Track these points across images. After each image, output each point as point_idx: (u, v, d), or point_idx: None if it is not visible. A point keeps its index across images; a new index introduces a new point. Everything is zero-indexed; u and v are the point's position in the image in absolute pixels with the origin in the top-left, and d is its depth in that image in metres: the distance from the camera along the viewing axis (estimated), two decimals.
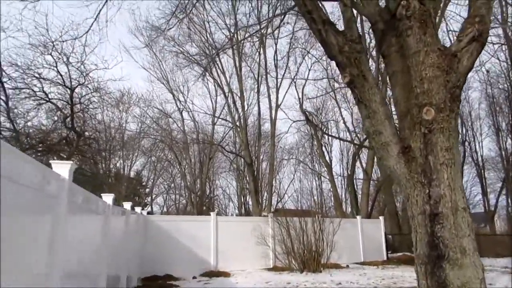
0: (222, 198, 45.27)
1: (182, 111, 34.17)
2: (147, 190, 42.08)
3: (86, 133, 19.05)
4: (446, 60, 4.57)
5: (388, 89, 19.93)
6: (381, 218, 19.06)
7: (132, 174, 36.03)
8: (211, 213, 14.13)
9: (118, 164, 33.84)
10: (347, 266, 15.14)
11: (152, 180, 39.68)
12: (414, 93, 4.77)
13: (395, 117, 5.55)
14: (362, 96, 4.84)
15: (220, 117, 33.93)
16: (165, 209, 41.79)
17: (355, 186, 31.92)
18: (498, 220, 35.17)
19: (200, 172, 36.30)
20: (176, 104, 33.55)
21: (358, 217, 18.09)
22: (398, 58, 5.00)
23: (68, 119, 15.47)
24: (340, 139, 31.43)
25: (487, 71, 25.08)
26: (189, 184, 36.29)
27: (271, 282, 11.16)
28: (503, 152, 29.48)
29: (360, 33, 7.11)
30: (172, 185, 41.95)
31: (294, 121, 31.14)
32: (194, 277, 12.07)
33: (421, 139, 4.67)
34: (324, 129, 31.13)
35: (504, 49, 22.36)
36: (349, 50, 4.82)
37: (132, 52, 43.96)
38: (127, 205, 11.56)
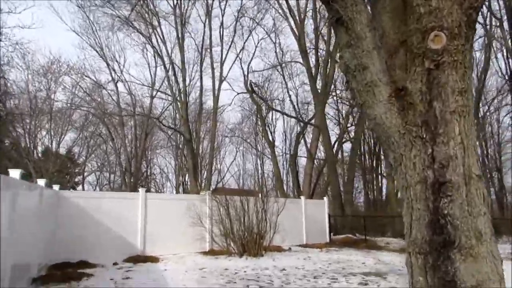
0: (160, 177, 43.05)
1: (117, 82, 31.36)
2: (79, 168, 38.88)
3: None
4: None
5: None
6: (325, 199, 18.24)
7: (62, 150, 32.74)
8: (140, 189, 12.31)
9: (46, 140, 30.46)
10: (290, 248, 14.09)
11: (84, 157, 36.54)
12: (416, 15, 3.37)
13: None
14: (344, 12, 3.39)
15: (160, 90, 31.62)
16: (97, 189, 38.77)
17: (297, 167, 31.30)
18: None
19: (135, 149, 33.89)
20: (111, 74, 30.77)
21: (302, 197, 17.09)
22: None
23: None
24: (286, 114, 30.42)
25: None
26: (123, 162, 33.77)
27: (205, 268, 9.70)
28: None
29: None
30: (106, 163, 39.08)
31: (238, 93, 29.77)
32: (115, 264, 10.28)
33: (424, 78, 3.32)
34: (270, 105, 29.92)
35: None
36: None
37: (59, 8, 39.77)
38: (41, 181, 9.59)
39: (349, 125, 31.76)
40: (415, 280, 3.14)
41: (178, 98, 26.72)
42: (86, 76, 30.19)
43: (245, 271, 9.25)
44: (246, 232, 11.68)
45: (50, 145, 30.63)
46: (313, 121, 26.21)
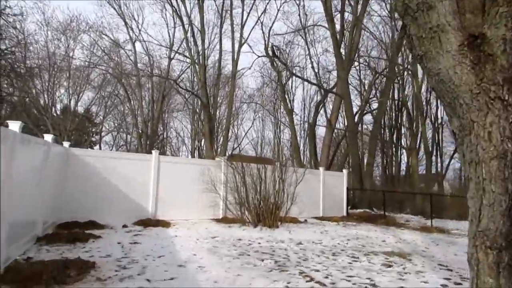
0: (176, 141, 42.77)
1: (135, 41, 30.58)
2: (96, 128, 38.83)
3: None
4: None
5: None
6: (344, 171, 17.54)
7: (80, 109, 32.56)
8: (153, 151, 11.80)
9: (64, 99, 30.29)
10: (306, 221, 13.58)
11: (101, 117, 36.38)
12: None
13: None
14: None
15: (178, 51, 30.71)
16: (114, 149, 38.78)
17: (315, 137, 30.50)
18: (446, 183, 35.35)
19: (152, 111, 33.44)
20: (129, 33, 29.99)
21: (321, 168, 16.43)
22: None
23: None
24: (307, 81, 29.28)
25: None
26: (140, 124, 33.42)
27: (217, 237, 9.23)
28: None
29: None
30: (123, 123, 38.87)
31: (259, 56, 28.77)
32: (124, 226, 9.90)
33: (509, 22, 2.55)
34: (291, 70, 28.85)
35: None
36: None
37: None
38: (48, 136, 9.12)
39: (371, 96, 30.61)
40: (482, 280, 2.45)
41: (197, 61, 25.85)
42: (104, 35, 29.48)
43: (259, 243, 8.74)
44: (262, 202, 11.13)
45: (68, 103, 30.44)
46: (334, 89, 25.16)
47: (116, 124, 39.16)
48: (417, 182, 24.33)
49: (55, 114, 29.33)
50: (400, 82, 30.13)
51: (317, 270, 6.30)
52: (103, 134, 40.27)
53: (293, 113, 29.04)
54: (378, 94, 30.05)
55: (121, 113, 37.33)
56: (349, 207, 17.58)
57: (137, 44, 30.53)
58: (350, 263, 7.08)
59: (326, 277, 5.86)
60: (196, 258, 6.77)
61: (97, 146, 38.35)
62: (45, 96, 28.13)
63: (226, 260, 6.73)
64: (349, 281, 5.74)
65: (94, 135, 39.75)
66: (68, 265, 5.52)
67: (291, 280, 5.57)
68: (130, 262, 6.21)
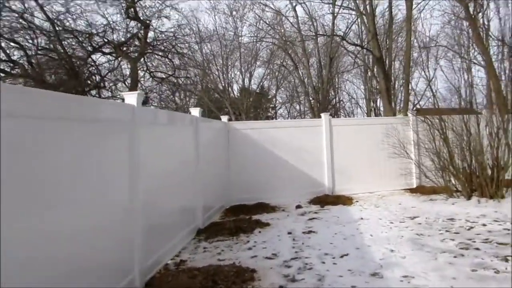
0: (349, 105, 40.18)
1: (295, 6, 29.04)
2: (270, 103, 39.42)
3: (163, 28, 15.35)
4: None
5: None
6: None
7: (254, 87, 33.32)
8: (322, 114, 9.87)
9: (239, 79, 31.35)
10: None
11: (273, 91, 36.65)
12: None
13: None
14: None
15: (342, 5, 27.86)
16: None
17: None
18: None
19: (321, 76, 31.70)
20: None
21: None
22: None
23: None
24: None
25: None
26: (310, 91, 32.11)
27: (418, 216, 6.80)
28: None
29: None
30: (295, 94, 38.37)
31: None
32: (298, 206, 8.31)
33: None
34: None
35: None
36: None
37: None
38: (224, 118, 8.36)
39: None
40: None
41: (364, 11, 22.73)
42: (266, 7, 28.77)
43: (484, 225, 5.99)
44: (476, 163, 8.07)
45: (242, 83, 31.22)
46: None
47: (287, 96, 38.91)
48: None
49: (233, 95, 30.41)
50: None
51: None
52: (277, 107, 40.61)
53: (489, 52, 23.16)
54: None
55: (292, 84, 36.72)
56: None
57: (299, 9, 28.85)
58: None
59: None
60: (395, 258, 4.59)
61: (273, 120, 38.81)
62: (221, 79, 29.25)
63: (443, 262, 4.36)
64: None
65: (270, 110, 40.43)
66: (218, 276, 4.06)
67: None
68: (302, 267, 4.43)
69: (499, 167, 7.91)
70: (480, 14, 27.41)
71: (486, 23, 29.10)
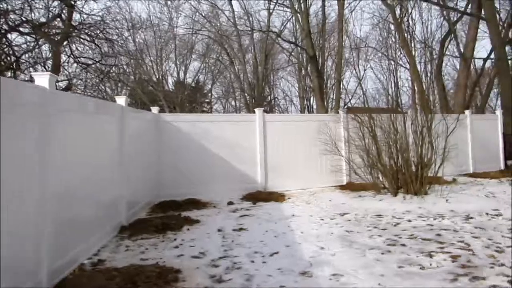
0: (284, 102, 40.75)
1: (231, 0, 28.74)
2: (205, 98, 38.79)
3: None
4: None
5: None
6: (498, 112, 13.57)
7: (189, 81, 32.57)
8: (256, 109, 9.73)
9: (174, 72, 30.46)
10: (454, 180, 10.52)
11: (209, 86, 36.16)
12: None
13: None
14: None
15: (278, 2, 28.01)
16: None
17: (443, 78, 25.73)
18: None
19: (256, 73, 31.75)
20: None
21: (467, 112, 12.80)
22: None
23: None
24: (438, 4, 23.02)
25: None
26: (244, 86, 32.04)
27: (348, 213, 6.87)
28: None
29: None
30: (231, 89, 38.10)
31: None
32: (229, 203, 8.08)
33: None
34: None
35: None
36: None
37: None
38: (154, 109, 7.93)
39: None
40: None
41: (298, 10, 23.02)
42: None
43: (409, 220, 6.16)
44: (402, 160, 8.37)
45: (177, 76, 30.43)
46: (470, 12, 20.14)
47: (223, 91, 38.59)
48: None
49: (167, 88, 29.52)
50: None
51: None
52: (212, 102, 40.12)
53: (414, 55, 24.61)
54: None
55: (228, 80, 36.45)
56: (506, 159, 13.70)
57: (235, 3, 28.65)
58: None
59: None
60: (325, 256, 4.51)
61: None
62: (154, 70, 28.28)
63: (371, 258, 4.35)
64: None
65: (205, 105, 39.82)
66: (138, 277, 3.71)
67: None
68: (230, 267, 4.19)
69: (423, 164, 8.26)
70: (405, 18, 29.00)
71: (411, 26, 30.84)
